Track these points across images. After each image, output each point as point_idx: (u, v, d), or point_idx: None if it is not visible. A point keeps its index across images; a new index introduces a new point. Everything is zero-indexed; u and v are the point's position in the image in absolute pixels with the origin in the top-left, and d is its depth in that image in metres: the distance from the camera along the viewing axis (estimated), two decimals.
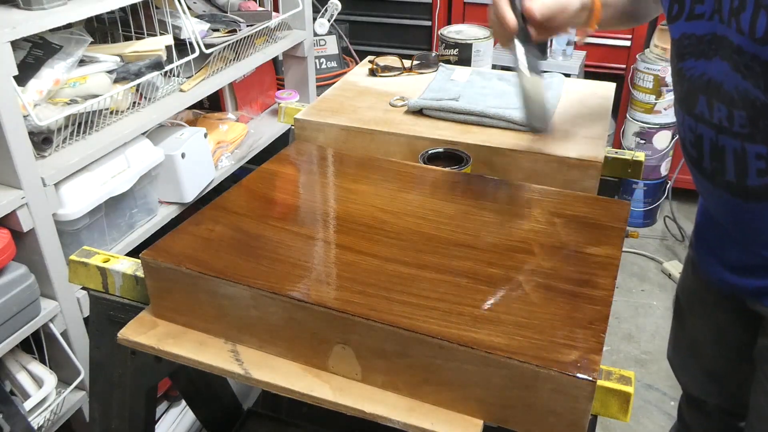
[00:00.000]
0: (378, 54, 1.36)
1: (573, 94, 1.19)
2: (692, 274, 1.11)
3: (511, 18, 0.83)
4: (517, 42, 0.85)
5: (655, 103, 2.53)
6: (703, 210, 1.03)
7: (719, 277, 0.98)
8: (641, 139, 2.63)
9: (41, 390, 1.17)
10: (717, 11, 0.77)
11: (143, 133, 1.30)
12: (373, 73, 1.30)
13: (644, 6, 1.02)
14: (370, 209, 0.82)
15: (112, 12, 1.41)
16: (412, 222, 0.79)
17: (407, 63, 1.32)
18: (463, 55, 1.49)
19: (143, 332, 0.72)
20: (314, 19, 1.89)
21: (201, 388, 1.07)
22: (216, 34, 1.49)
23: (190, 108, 1.50)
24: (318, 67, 2.26)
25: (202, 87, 1.42)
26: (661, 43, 2.49)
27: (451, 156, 0.99)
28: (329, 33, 2.19)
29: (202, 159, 1.43)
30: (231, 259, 0.71)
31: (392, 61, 1.32)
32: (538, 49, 0.87)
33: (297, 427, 1.16)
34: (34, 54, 1.13)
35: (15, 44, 1.00)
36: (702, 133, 0.85)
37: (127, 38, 1.39)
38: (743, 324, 1.01)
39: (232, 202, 0.83)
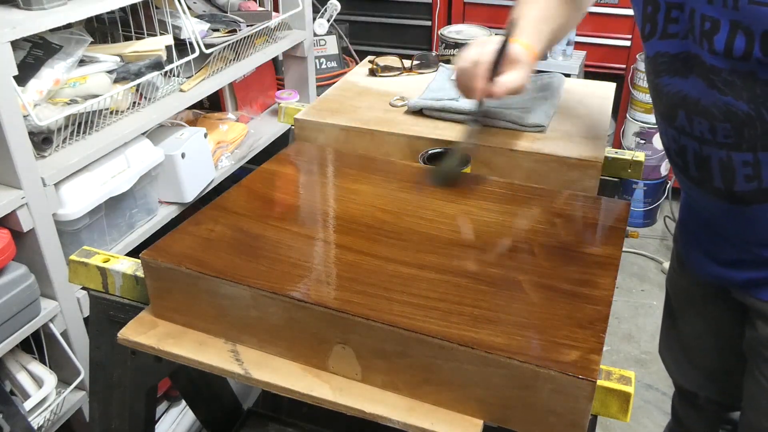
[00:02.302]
0: (378, 54, 1.36)
1: (573, 94, 1.19)
2: (679, 269, 1.11)
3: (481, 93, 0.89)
4: (473, 119, 0.95)
5: None
6: (687, 206, 1.03)
7: (707, 270, 0.99)
8: (641, 139, 2.63)
9: (41, 390, 1.17)
10: (690, 31, 0.78)
11: (143, 133, 1.30)
12: (373, 73, 1.30)
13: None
14: (370, 209, 0.82)
15: (112, 12, 1.41)
16: (412, 222, 0.79)
17: (407, 63, 1.32)
18: None
19: (143, 332, 0.72)
20: (314, 19, 1.89)
21: (201, 388, 1.07)
22: (216, 34, 1.49)
23: (190, 108, 1.50)
24: (318, 67, 2.26)
25: (202, 87, 1.42)
26: None
27: None
28: (329, 33, 2.19)
29: (202, 159, 1.43)
30: (231, 259, 0.71)
31: (392, 61, 1.32)
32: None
33: (297, 427, 1.16)
34: (34, 54, 1.13)
35: (15, 44, 1.00)
36: (685, 144, 0.86)
37: (127, 38, 1.39)
38: (732, 317, 1.01)
39: (232, 202, 0.83)
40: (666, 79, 0.85)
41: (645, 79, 2.50)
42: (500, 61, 0.88)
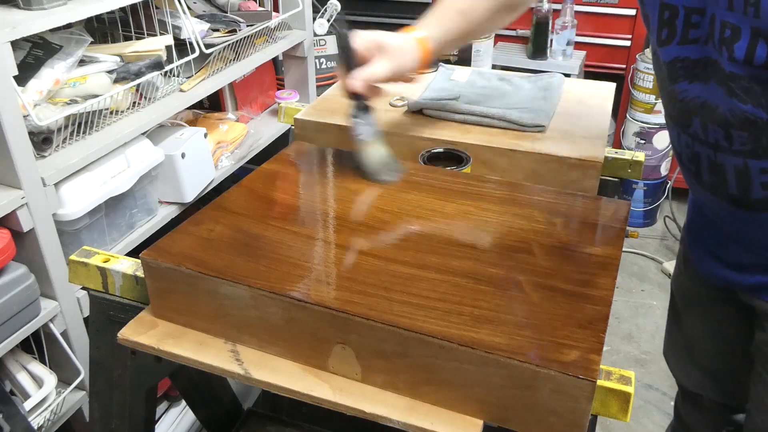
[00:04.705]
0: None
1: (573, 94, 1.19)
2: (685, 270, 1.11)
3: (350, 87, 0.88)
4: (352, 114, 0.90)
5: (655, 103, 2.53)
6: (696, 210, 1.02)
7: (714, 273, 0.98)
8: (641, 139, 2.63)
9: (41, 390, 1.17)
10: (710, 37, 0.76)
11: (143, 133, 1.30)
12: None
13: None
14: (370, 209, 0.82)
15: (112, 12, 1.41)
16: (412, 222, 0.79)
17: None
18: (463, 55, 1.49)
19: (143, 332, 0.72)
20: (314, 19, 1.89)
21: (201, 388, 1.07)
22: (216, 34, 1.49)
23: (190, 108, 1.50)
24: (318, 67, 2.26)
25: (202, 87, 1.42)
26: None
27: (451, 156, 0.99)
28: (329, 33, 2.19)
29: (202, 159, 1.43)
30: (231, 259, 0.71)
31: None
32: (368, 111, 0.91)
33: (297, 427, 1.16)
34: (34, 54, 1.13)
35: (15, 44, 1.00)
36: (699, 151, 0.85)
37: (127, 38, 1.39)
38: (738, 318, 1.01)
39: (232, 202, 0.83)
40: (684, 85, 0.83)
41: (645, 79, 2.51)
42: (348, 55, 0.87)
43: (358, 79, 0.87)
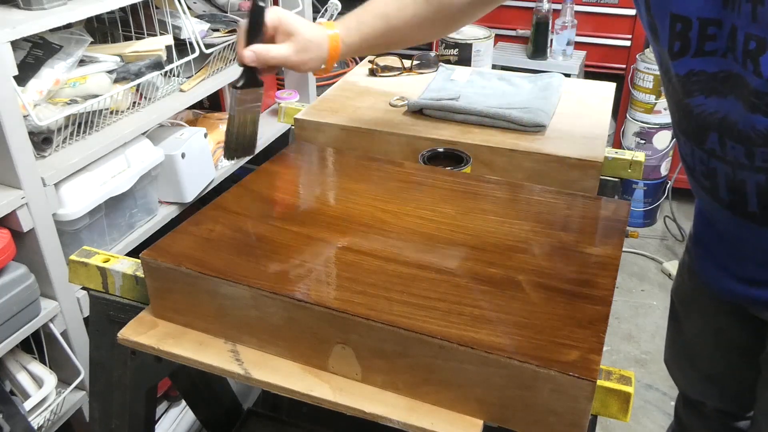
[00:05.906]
0: (378, 54, 1.36)
1: (573, 94, 1.19)
2: (688, 280, 1.09)
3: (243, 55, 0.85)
4: (234, 83, 0.87)
5: (655, 103, 2.53)
6: (704, 221, 0.99)
7: (725, 286, 0.95)
8: (641, 139, 2.63)
9: (41, 390, 1.17)
10: (730, 49, 0.73)
11: (143, 133, 1.30)
12: (373, 73, 1.30)
13: None
14: (370, 209, 0.82)
15: (112, 12, 1.41)
16: (412, 222, 0.79)
17: (407, 63, 1.32)
18: (463, 55, 1.49)
19: (143, 332, 0.72)
20: (314, 19, 1.89)
21: (201, 388, 1.07)
22: (216, 34, 1.49)
23: (190, 108, 1.50)
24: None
25: (202, 87, 1.42)
26: None
27: (451, 156, 0.99)
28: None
29: (202, 159, 1.43)
30: (231, 259, 0.71)
31: (392, 61, 1.32)
32: (254, 85, 0.88)
33: (297, 427, 1.16)
34: (34, 54, 1.13)
35: (15, 44, 1.00)
36: (716, 167, 0.82)
37: (127, 38, 1.39)
38: (744, 328, 1.00)
39: (232, 202, 0.83)
40: (700, 99, 0.79)
41: (645, 79, 2.50)
42: (255, 28, 0.84)
43: (253, 51, 0.84)
